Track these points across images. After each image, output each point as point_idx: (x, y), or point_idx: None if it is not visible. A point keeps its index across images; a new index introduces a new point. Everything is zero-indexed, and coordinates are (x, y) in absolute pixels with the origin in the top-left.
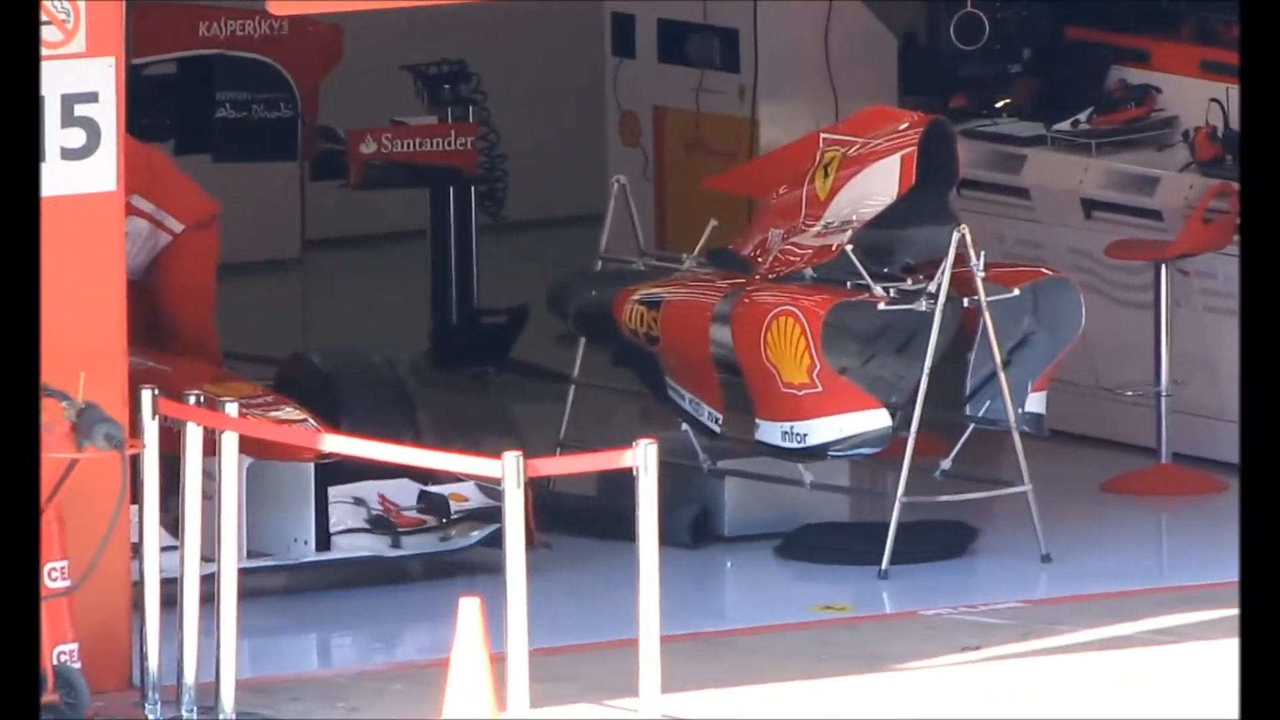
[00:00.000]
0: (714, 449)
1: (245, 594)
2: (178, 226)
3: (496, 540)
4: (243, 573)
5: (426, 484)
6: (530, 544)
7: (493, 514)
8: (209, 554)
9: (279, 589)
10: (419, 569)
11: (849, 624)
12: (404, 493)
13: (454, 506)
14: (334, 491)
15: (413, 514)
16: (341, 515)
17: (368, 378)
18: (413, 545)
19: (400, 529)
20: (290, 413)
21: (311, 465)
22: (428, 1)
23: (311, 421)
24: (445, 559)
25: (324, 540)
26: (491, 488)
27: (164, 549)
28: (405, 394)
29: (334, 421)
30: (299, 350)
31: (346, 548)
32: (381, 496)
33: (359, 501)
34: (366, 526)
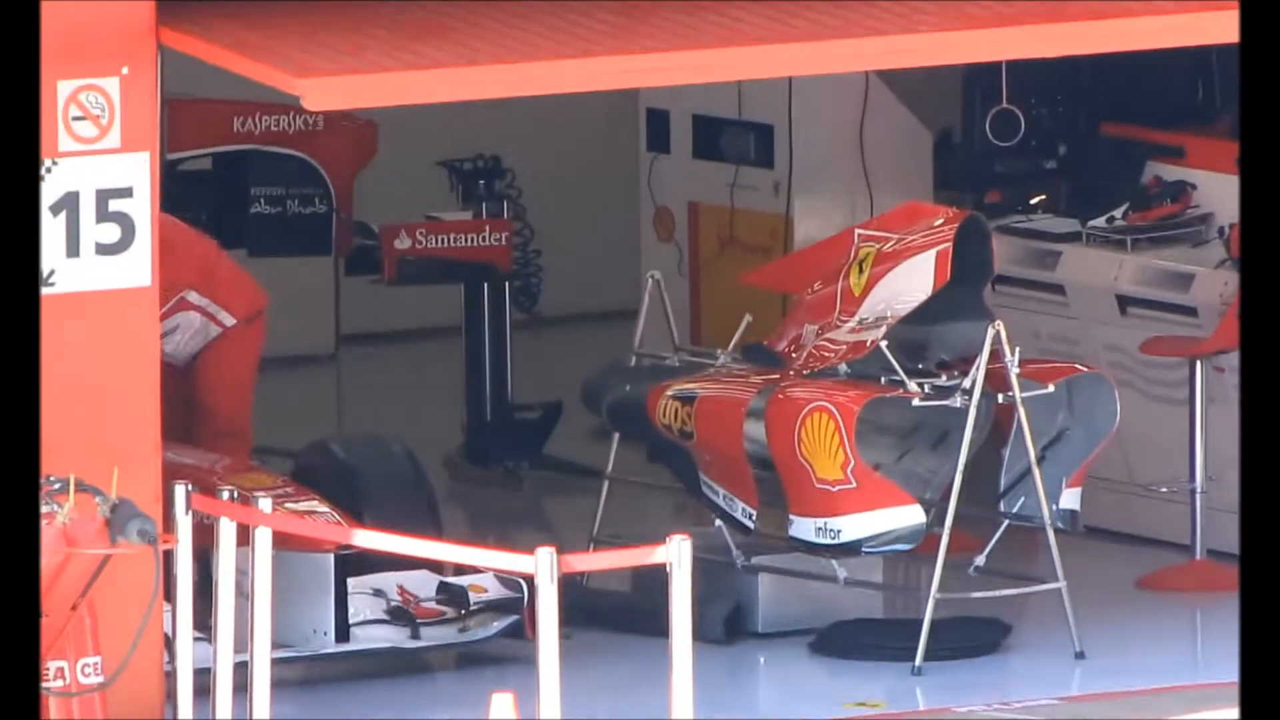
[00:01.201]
0: (748, 545)
1: None
2: (229, 320)
3: (516, 631)
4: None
5: (445, 575)
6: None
7: (512, 605)
8: (237, 647)
9: (298, 680)
10: (439, 660)
11: None
12: (423, 584)
13: (473, 598)
14: (353, 583)
15: (432, 605)
16: (360, 606)
17: (387, 465)
18: (432, 636)
19: (419, 620)
20: (313, 504)
21: (331, 556)
22: (462, 97)
23: (334, 514)
24: (465, 650)
25: (343, 631)
26: (510, 579)
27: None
28: (424, 480)
29: (351, 510)
30: (318, 439)
31: (365, 639)
32: (400, 588)
33: (378, 593)
34: (386, 618)
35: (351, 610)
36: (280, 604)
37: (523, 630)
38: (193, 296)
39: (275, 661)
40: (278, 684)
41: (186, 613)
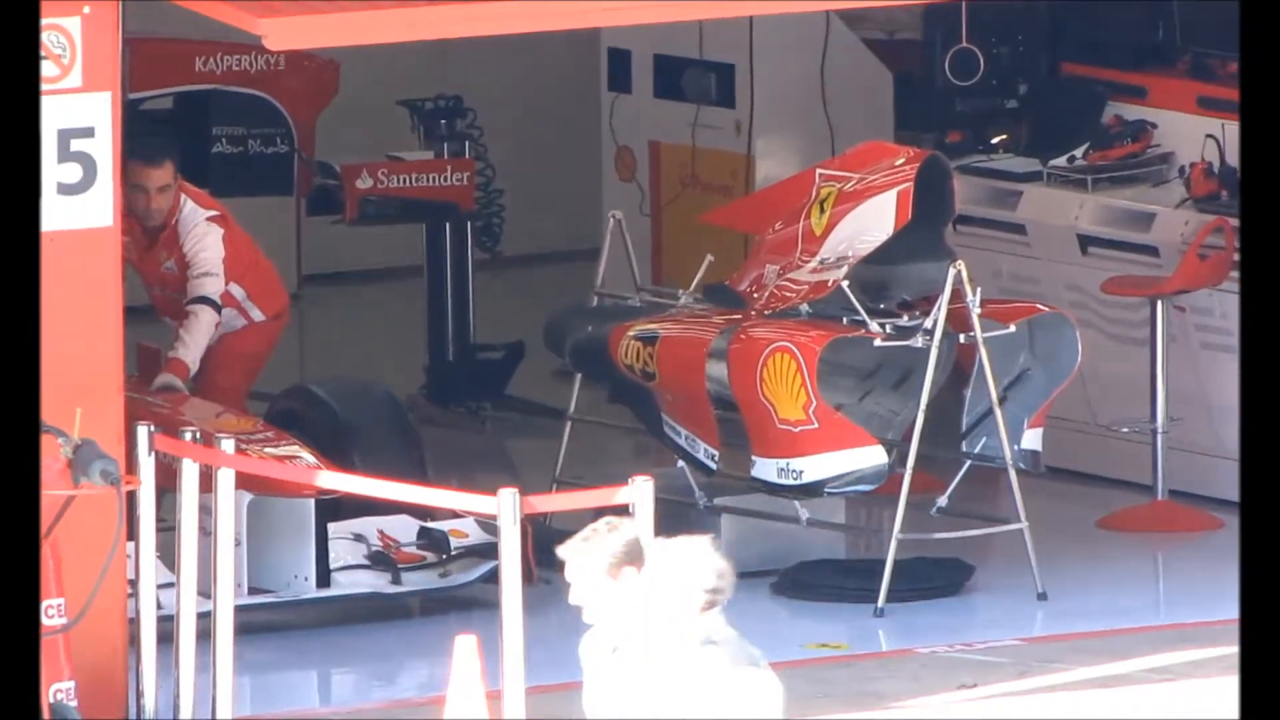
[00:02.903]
0: (710, 486)
1: (245, 630)
2: (259, 317)
3: (496, 576)
4: (243, 609)
5: (426, 520)
6: (529, 580)
7: (492, 550)
8: (206, 590)
9: (279, 625)
10: (419, 605)
11: (845, 662)
12: (404, 529)
13: (454, 543)
14: (334, 528)
15: (412, 550)
16: (341, 551)
17: (371, 409)
18: (413, 581)
19: (400, 565)
20: (293, 449)
21: (311, 501)
22: (423, 37)
23: (311, 458)
24: (445, 595)
25: (324, 577)
26: (491, 524)
27: (162, 586)
28: (408, 424)
29: (340, 454)
30: (297, 383)
31: (346, 584)
32: (381, 532)
33: (359, 538)
34: (366, 563)
35: (332, 555)
36: (261, 549)
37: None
38: (233, 289)
39: (256, 607)
40: (261, 629)
41: (149, 555)
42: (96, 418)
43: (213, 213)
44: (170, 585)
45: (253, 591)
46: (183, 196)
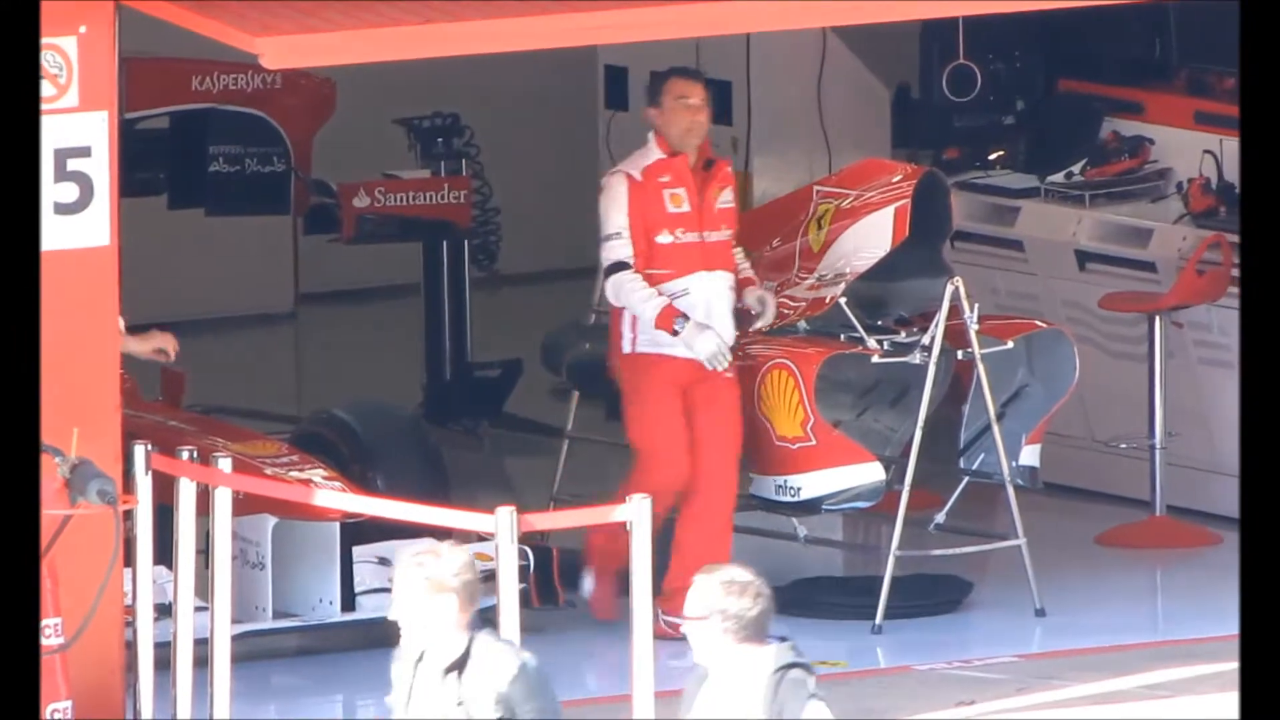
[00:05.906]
0: None
1: (269, 655)
2: None
3: (523, 599)
4: (268, 634)
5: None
6: (555, 603)
7: (518, 573)
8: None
9: (305, 649)
10: None
11: (843, 679)
12: None
13: (479, 566)
14: (359, 551)
15: None
16: (366, 575)
17: (398, 433)
18: None
19: None
20: (315, 472)
21: (336, 525)
22: (419, 55)
23: (339, 483)
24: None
25: (349, 600)
26: (522, 546)
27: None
28: (434, 449)
29: (364, 478)
30: (322, 408)
31: (371, 608)
32: None
33: (383, 561)
34: (391, 586)
35: (357, 579)
36: (285, 573)
37: (528, 599)
38: None
39: (281, 631)
40: (286, 653)
41: (146, 575)
42: (94, 437)
43: None
44: (202, 609)
45: (278, 615)
46: None
